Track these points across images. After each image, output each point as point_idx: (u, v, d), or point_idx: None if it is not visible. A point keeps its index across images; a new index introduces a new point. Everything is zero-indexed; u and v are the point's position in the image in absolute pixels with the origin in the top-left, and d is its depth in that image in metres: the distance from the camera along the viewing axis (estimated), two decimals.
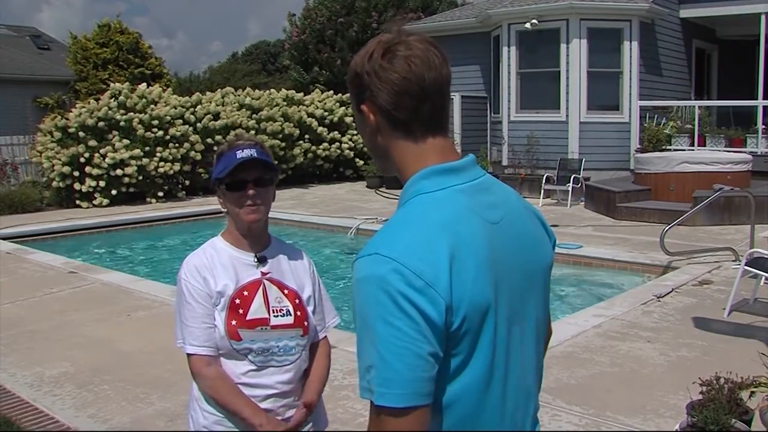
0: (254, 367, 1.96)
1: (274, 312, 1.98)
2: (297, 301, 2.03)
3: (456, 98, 15.26)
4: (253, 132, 15.26)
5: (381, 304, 1.13)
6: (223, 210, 2.05)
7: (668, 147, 13.12)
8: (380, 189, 15.48)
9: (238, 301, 1.96)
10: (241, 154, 1.95)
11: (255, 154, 1.96)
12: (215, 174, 1.99)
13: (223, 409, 1.95)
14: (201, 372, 1.96)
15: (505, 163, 14.57)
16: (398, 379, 1.11)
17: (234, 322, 1.94)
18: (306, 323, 2.03)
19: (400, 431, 1.13)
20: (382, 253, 1.16)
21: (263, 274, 2.02)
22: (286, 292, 2.02)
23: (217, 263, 1.99)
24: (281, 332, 1.98)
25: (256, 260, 2.02)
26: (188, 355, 1.98)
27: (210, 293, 1.96)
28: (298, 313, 2.02)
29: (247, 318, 1.95)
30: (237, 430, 1.97)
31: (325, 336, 2.17)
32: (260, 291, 1.99)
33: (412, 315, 1.12)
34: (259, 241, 2.05)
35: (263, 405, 1.97)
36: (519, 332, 1.29)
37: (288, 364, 2.00)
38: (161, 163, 13.86)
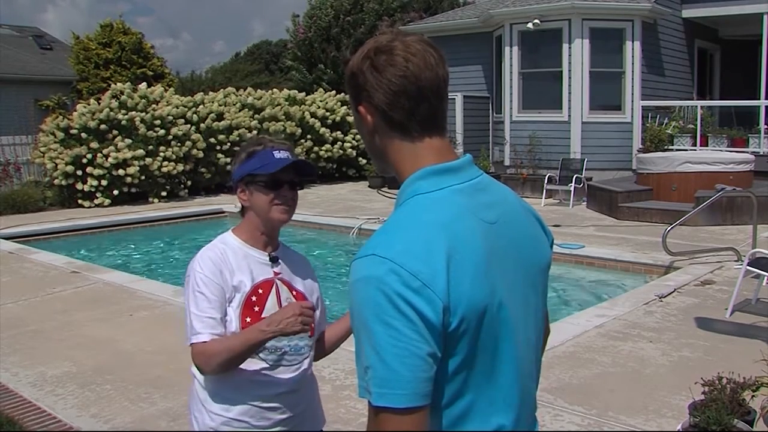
0: (267, 365, 1.99)
1: None
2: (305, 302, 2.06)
3: (458, 98, 15.26)
4: (255, 132, 15.28)
5: (378, 305, 1.13)
6: (244, 205, 2.03)
7: (670, 147, 13.10)
8: (382, 189, 15.48)
9: (254, 298, 1.98)
10: (279, 155, 1.99)
11: (290, 157, 2.01)
12: (248, 169, 1.99)
13: (242, 354, 1.87)
14: (205, 351, 1.88)
15: (507, 163, 14.56)
16: (397, 380, 1.11)
17: (249, 320, 1.96)
18: (312, 324, 2.04)
19: (399, 431, 1.13)
20: (379, 254, 1.16)
21: (276, 274, 2.04)
22: (294, 293, 2.06)
23: (230, 259, 2.00)
24: None
25: (269, 260, 2.05)
26: (202, 342, 1.89)
27: (225, 287, 1.94)
28: None
29: (263, 316, 1.97)
30: (245, 430, 1.98)
31: None
32: (273, 290, 2.02)
33: (409, 315, 1.12)
34: (273, 241, 2.08)
35: (273, 402, 1.99)
36: (518, 332, 1.29)
37: (296, 364, 2.03)
38: (164, 163, 13.88)
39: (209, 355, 1.88)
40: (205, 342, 1.88)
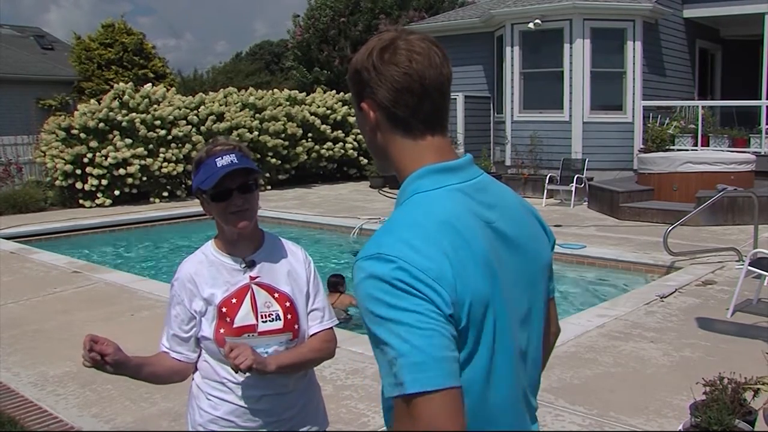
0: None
1: (262, 317, 1.95)
2: (287, 304, 1.99)
3: (459, 98, 15.25)
4: (256, 133, 15.28)
5: (393, 294, 1.11)
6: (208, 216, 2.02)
7: (671, 147, 13.10)
8: (383, 189, 15.48)
9: (224, 309, 1.94)
10: (221, 161, 1.89)
11: (235, 160, 1.90)
12: (196, 183, 1.94)
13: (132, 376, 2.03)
14: None
15: (508, 163, 14.56)
16: (428, 362, 1.09)
17: (222, 330, 1.93)
18: (296, 326, 2.00)
19: (438, 414, 1.08)
20: (384, 253, 1.15)
21: (252, 278, 1.98)
22: (276, 295, 1.99)
23: (205, 271, 1.98)
24: (269, 338, 1.95)
25: (243, 265, 1.99)
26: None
27: (193, 303, 1.97)
28: (289, 317, 1.98)
29: (234, 326, 1.93)
30: (231, 429, 1.97)
31: (329, 329, 2.09)
32: (248, 297, 1.96)
33: (427, 296, 1.11)
34: (250, 244, 2.01)
35: (259, 405, 1.96)
36: (516, 330, 1.28)
37: None
38: (164, 164, 13.89)
39: None
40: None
